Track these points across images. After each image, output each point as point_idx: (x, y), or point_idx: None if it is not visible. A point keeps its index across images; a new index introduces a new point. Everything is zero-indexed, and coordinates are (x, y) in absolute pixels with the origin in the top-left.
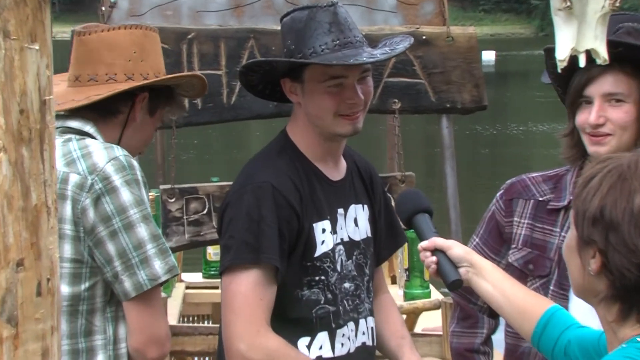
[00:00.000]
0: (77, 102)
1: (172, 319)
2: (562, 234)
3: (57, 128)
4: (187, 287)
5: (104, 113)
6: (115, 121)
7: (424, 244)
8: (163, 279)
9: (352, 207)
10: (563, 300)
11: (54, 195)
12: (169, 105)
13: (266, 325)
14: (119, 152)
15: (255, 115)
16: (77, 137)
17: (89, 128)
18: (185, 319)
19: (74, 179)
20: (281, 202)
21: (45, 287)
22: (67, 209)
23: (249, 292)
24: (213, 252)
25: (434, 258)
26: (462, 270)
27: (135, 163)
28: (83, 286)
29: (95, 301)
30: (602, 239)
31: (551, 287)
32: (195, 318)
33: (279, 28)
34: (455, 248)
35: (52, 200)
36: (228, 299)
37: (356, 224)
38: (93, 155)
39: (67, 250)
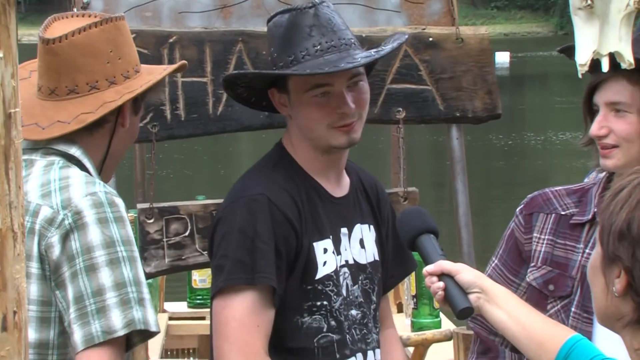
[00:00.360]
0: (67, 125)
1: (154, 354)
2: (587, 250)
3: (39, 149)
4: (171, 318)
5: (89, 126)
6: (101, 131)
7: (429, 268)
8: (120, 333)
9: (358, 227)
10: (587, 324)
11: (21, 218)
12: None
13: (264, 355)
14: (100, 187)
15: (245, 127)
16: (62, 162)
17: (74, 150)
18: (169, 354)
19: (45, 212)
20: (278, 217)
21: (12, 321)
22: (34, 245)
23: (244, 318)
24: (199, 279)
25: (441, 284)
26: (472, 297)
27: (117, 200)
28: (52, 332)
29: (68, 351)
30: (629, 256)
31: (573, 309)
32: (180, 352)
33: None
34: (464, 272)
35: (18, 224)
36: (221, 325)
37: (362, 246)
38: (70, 189)
39: (34, 291)
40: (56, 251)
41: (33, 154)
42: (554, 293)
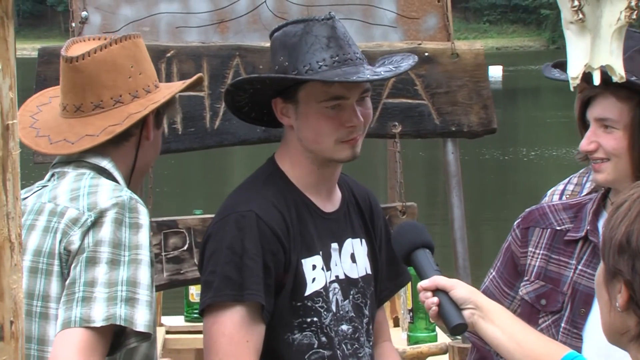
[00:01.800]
0: (96, 137)
1: None
2: (579, 267)
3: (71, 162)
4: (168, 332)
5: (116, 139)
6: (127, 145)
7: (424, 283)
8: (97, 324)
9: (349, 242)
10: (575, 339)
11: (19, 229)
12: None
13: None
14: (126, 193)
15: (241, 141)
16: (92, 174)
17: (105, 163)
18: None
19: (71, 213)
20: (266, 233)
21: (9, 330)
22: (57, 244)
23: (233, 334)
24: (196, 293)
25: (435, 299)
26: (466, 313)
27: (140, 208)
28: None
29: None
30: (629, 269)
31: (562, 325)
32: None
33: (267, 45)
34: (459, 288)
35: (16, 234)
36: (211, 341)
37: (353, 260)
38: (98, 194)
39: (55, 288)
40: (75, 247)
41: (65, 167)
42: (546, 308)
